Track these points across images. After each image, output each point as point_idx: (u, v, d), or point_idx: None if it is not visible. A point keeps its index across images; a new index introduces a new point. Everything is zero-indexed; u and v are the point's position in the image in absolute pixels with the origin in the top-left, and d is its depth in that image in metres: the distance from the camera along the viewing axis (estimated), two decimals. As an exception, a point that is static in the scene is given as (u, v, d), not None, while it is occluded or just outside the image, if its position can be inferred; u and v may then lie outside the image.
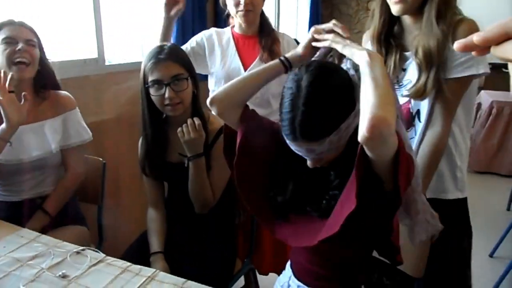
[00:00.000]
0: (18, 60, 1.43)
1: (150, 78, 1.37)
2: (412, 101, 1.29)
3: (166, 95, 1.36)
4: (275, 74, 1.08)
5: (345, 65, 0.95)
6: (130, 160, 2.20)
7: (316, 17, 5.42)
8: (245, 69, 1.85)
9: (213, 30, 1.96)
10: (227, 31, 1.95)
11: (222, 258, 1.55)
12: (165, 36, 1.74)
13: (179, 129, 1.39)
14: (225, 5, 1.89)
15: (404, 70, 1.30)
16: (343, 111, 0.86)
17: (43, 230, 1.43)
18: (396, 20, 1.31)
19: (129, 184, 2.27)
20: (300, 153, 0.92)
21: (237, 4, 1.78)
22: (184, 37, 2.48)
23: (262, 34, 1.89)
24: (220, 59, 1.89)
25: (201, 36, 1.94)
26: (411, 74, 1.26)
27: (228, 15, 1.93)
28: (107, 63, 2.29)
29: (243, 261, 1.72)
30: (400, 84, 1.31)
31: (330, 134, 0.85)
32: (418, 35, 1.23)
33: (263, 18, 1.91)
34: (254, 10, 1.80)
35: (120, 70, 2.34)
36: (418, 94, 1.20)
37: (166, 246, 1.50)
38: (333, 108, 0.85)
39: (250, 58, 1.87)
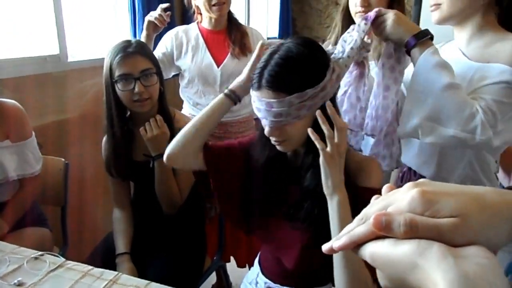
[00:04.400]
0: None
1: (117, 73, 1.32)
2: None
3: (136, 89, 1.32)
4: (225, 110, 1.08)
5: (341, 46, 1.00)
6: (94, 159, 2.14)
7: (286, 13, 5.42)
8: (218, 65, 1.84)
9: (179, 29, 1.92)
10: (193, 27, 1.92)
11: (191, 257, 1.53)
12: None
13: (141, 127, 1.36)
14: (189, 2, 1.88)
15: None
16: (312, 77, 0.88)
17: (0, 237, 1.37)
18: None
19: (93, 184, 2.21)
20: (260, 113, 0.92)
21: None
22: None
23: (230, 29, 1.88)
24: (191, 57, 1.86)
25: (169, 38, 1.90)
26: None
27: (194, 11, 1.91)
28: (70, 60, 2.21)
29: (213, 258, 1.70)
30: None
31: (293, 92, 0.86)
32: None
33: (229, 13, 1.90)
34: (227, 2, 1.79)
35: (83, 67, 2.26)
36: None
37: (132, 247, 1.46)
38: (305, 68, 0.88)
39: (221, 54, 1.86)
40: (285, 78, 0.87)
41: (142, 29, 2.42)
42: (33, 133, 1.52)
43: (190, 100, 1.94)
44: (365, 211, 0.40)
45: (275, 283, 1.12)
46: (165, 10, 1.72)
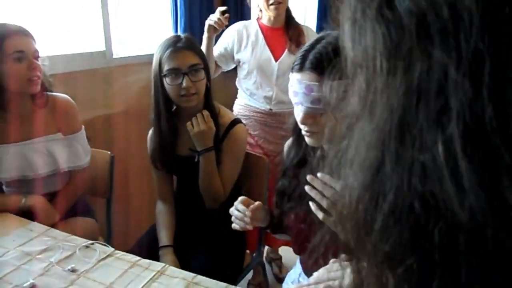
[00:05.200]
0: (32, 77, 1.35)
1: (166, 67, 1.35)
2: None
3: (184, 84, 1.34)
4: None
5: None
6: (139, 153, 2.19)
7: (324, 11, 5.36)
8: (276, 60, 1.96)
9: (240, 24, 2.05)
10: (253, 23, 2.05)
11: (232, 252, 1.54)
12: (208, 52, 1.83)
13: (188, 122, 1.38)
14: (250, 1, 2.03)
15: None
16: None
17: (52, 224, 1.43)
18: None
19: (138, 177, 2.26)
20: (296, 97, 0.89)
21: None
22: (191, 24, 2.47)
23: (288, 27, 2.01)
24: (251, 51, 1.98)
25: (231, 34, 2.02)
26: None
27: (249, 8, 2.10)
28: (115, 56, 2.27)
29: (252, 254, 1.71)
30: None
31: (336, 76, 0.82)
32: None
33: (287, 11, 2.02)
34: (284, 2, 1.92)
35: (128, 63, 2.32)
36: None
37: (175, 240, 1.48)
38: None
39: (278, 49, 1.98)
40: (330, 61, 0.83)
41: (184, 26, 2.49)
42: (83, 126, 1.57)
43: (247, 91, 2.06)
44: None
45: None
46: (223, 13, 1.83)
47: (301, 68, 0.88)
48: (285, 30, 2.00)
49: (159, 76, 1.37)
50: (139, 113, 2.20)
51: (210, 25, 1.84)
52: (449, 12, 0.23)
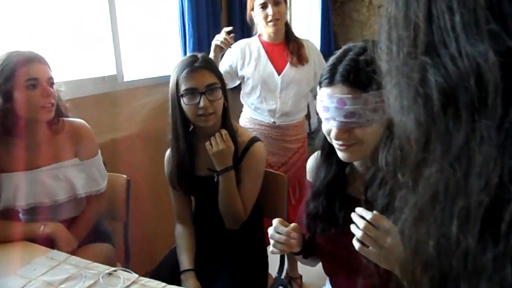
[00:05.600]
0: (46, 104, 1.34)
1: (183, 87, 1.34)
2: None
3: (201, 104, 1.32)
4: None
5: None
6: (152, 176, 2.18)
7: (328, 27, 5.40)
8: (278, 73, 2.02)
9: (243, 42, 2.10)
10: (255, 40, 2.10)
11: (254, 274, 1.50)
12: None
13: (207, 142, 1.36)
14: (252, 20, 2.07)
15: None
16: None
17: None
18: None
19: (151, 200, 2.24)
20: (327, 113, 0.85)
21: (265, 17, 1.95)
22: (200, 45, 2.48)
23: (288, 41, 2.06)
24: (254, 66, 2.04)
25: (235, 51, 2.06)
26: None
27: (252, 27, 2.15)
28: (126, 80, 2.27)
29: (275, 276, 1.66)
30: None
31: (369, 89, 0.80)
32: None
33: (287, 26, 2.08)
34: (281, 18, 1.98)
35: (139, 86, 2.33)
36: None
37: (196, 263, 1.45)
38: None
39: (281, 63, 2.04)
40: (362, 73, 0.81)
41: (192, 46, 2.50)
42: (99, 151, 1.55)
43: (251, 105, 2.11)
44: None
45: None
46: (228, 33, 1.88)
47: (331, 82, 0.85)
48: (285, 44, 2.05)
49: (176, 96, 1.36)
50: (150, 135, 2.19)
51: (216, 45, 1.89)
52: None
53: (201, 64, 1.35)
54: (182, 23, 2.53)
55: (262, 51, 2.05)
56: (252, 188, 1.45)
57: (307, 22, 5.40)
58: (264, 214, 1.62)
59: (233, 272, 1.43)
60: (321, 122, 0.92)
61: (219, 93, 1.37)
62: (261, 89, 2.03)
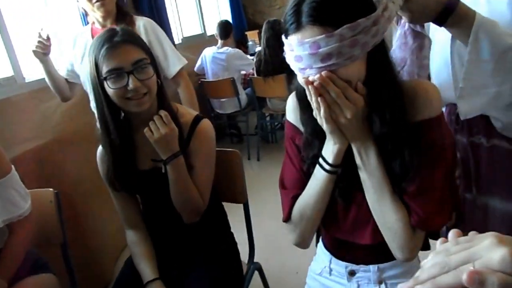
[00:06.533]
0: None
1: (106, 68, 1.10)
2: None
3: (130, 85, 1.10)
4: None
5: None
6: (84, 181, 1.90)
7: (236, 2, 5.29)
8: None
9: (76, 34, 1.83)
10: (86, 30, 1.82)
11: (226, 265, 1.34)
12: (50, 74, 1.72)
13: (146, 128, 1.16)
14: (83, 8, 1.76)
15: None
16: (362, 3, 0.72)
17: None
18: None
19: (90, 210, 1.96)
20: (301, 63, 0.74)
21: None
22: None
23: (119, 22, 1.72)
24: (82, 64, 1.74)
25: (71, 43, 1.81)
26: None
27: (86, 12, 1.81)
28: (27, 80, 1.93)
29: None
30: None
31: (342, 23, 0.69)
32: None
33: (118, 6, 1.78)
34: None
35: (43, 86, 1.99)
36: None
37: (160, 270, 1.26)
38: None
39: None
40: (331, 7, 0.71)
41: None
42: (13, 167, 1.27)
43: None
44: (444, 259, 0.43)
45: (358, 264, 0.98)
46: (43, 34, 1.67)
47: (298, 26, 0.73)
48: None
49: (98, 80, 1.12)
50: (76, 136, 1.90)
51: (34, 51, 1.68)
52: None
53: (123, 38, 1.12)
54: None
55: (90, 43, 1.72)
56: (206, 171, 1.28)
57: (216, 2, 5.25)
58: (223, 198, 1.46)
59: (203, 272, 1.27)
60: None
61: (150, 70, 1.16)
62: None
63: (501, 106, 0.89)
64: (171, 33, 3.81)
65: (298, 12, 0.73)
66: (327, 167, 0.85)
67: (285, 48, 0.77)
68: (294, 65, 0.77)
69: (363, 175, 0.83)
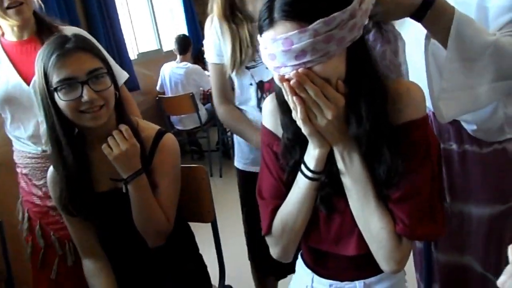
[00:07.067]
0: None
1: (56, 78, 0.99)
2: None
3: (85, 97, 1.00)
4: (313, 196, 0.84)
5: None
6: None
7: (192, 15, 5.26)
8: (28, 83, 1.41)
9: None
10: None
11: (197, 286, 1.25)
12: None
13: (104, 144, 1.05)
14: None
15: None
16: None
17: None
18: None
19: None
20: (274, 61, 0.70)
21: (0, 3, 1.32)
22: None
23: (42, 34, 1.44)
24: None
25: None
26: None
27: None
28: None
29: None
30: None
31: (316, 17, 0.66)
32: None
33: (38, 16, 1.47)
34: (26, 1, 1.36)
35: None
36: None
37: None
38: None
39: (31, 68, 1.21)
40: (304, 1, 0.68)
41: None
42: None
43: (9, 134, 1.54)
44: None
45: (342, 281, 0.93)
46: None
47: (271, 22, 0.70)
48: (39, 39, 1.43)
49: (48, 92, 1.01)
50: (8, 163, 1.68)
51: None
52: None
53: (75, 45, 1.02)
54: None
55: (3, 55, 1.43)
56: (171, 190, 1.19)
57: (170, 12, 5.20)
58: (189, 218, 1.36)
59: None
60: None
61: (107, 80, 1.06)
62: (8, 109, 1.45)
63: (482, 106, 0.87)
64: (126, 48, 3.69)
65: (271, 8, 0.70)
66: (309, 174, 0.79)
67: (260, 46, 0.73)
68: (269, 64, 0.72)
69: (346, 180, 0.78)
